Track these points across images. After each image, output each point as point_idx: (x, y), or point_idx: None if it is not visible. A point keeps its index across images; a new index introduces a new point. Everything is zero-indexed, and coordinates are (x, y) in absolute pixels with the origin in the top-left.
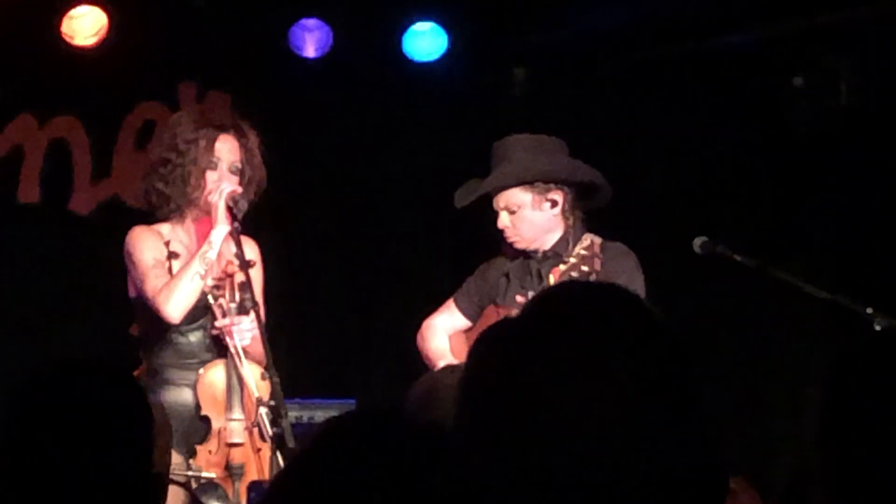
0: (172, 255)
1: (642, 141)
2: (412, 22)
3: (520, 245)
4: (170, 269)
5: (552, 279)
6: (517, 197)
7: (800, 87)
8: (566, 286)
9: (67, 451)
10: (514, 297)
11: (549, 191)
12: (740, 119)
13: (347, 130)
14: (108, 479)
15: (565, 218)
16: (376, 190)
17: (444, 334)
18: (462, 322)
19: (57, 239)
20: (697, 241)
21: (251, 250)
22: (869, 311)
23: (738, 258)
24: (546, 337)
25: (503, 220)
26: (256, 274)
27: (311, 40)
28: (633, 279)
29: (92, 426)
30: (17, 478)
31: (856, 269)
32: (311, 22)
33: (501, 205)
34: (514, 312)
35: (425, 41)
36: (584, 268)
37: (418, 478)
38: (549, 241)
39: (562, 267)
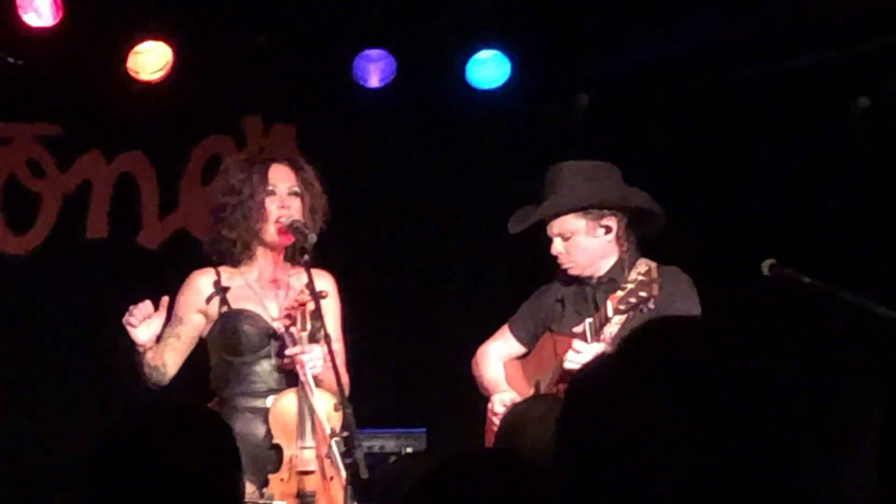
0: (223, 290)
1: (707, 165)
2: (475, 50)
3: (574, 271)
4: (224, 301)
5: (610, 306)
6: (571, 223)
7: (865, 108)
8: (659, 324)
9: (153, 495)
10: (570, 325)
11: (602, 217)
12: (805, 142)
13: (412, 159)
14: None
15: (619, 244)
16: (441, 218)
17: (499, 361)
18: (517, 348)
19: (126, 273)
20: (766, 264)
21: (327, 283)
22: None
23: (808, 280)
24: (643, 376)
25: (557, 246)
26: (332, 306)
27: (374, 70)
28: (689, 302)
29: (177, 468)
30: None
31: None
32: (374, 52)
33: (555, 231)
34: (573, 340)
35: (488, 69)
36: (643, 293)
37: None
38: (603, 266)
39: (619, 293)
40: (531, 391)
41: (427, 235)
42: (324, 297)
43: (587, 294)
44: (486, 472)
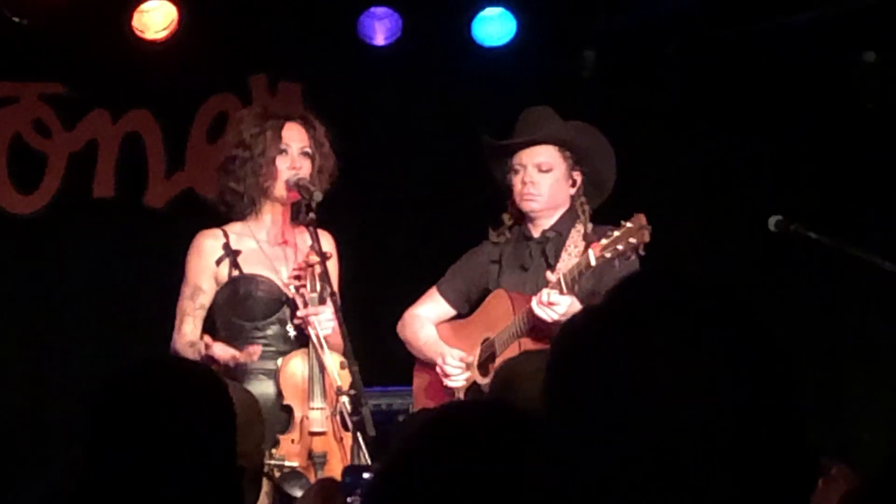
0: (234, 253)
1: (713, 121)
2: (481, 7)
3: (536, 205)
4: (234, 264)
5: (592, 254)
6: (554, 157)
7: (871, 62)
8: (649, 273)
9: (149, 450)
10: (514, 283)
11: (575, 169)
12: (811, 96)
13: (418, 117)
14: (189, 476)
15: (573, 201)
16: (448, 177)
17: (430, 324)
18: (446, 311)
19: (132, 232)
20: (772, 220)
21: (327, 243)
22: None
23: (814, 236)
24: (633, 324)
25: (532, 174)
26: (332, 266)
27: (380, 28)
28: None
29: (174, 424)
30: (100, 478)
31: None
32: (380, 10)
33: (535, 160)
34: (545, 291)
35: (494, 26)
36: (632, 240)
37: (519, 466)
38: (553, 217)
39: (603, 241)
40: (476, 350)
41: (433, 193)
42: (328, 259)
43: (532, 249)
44: (479, 422)
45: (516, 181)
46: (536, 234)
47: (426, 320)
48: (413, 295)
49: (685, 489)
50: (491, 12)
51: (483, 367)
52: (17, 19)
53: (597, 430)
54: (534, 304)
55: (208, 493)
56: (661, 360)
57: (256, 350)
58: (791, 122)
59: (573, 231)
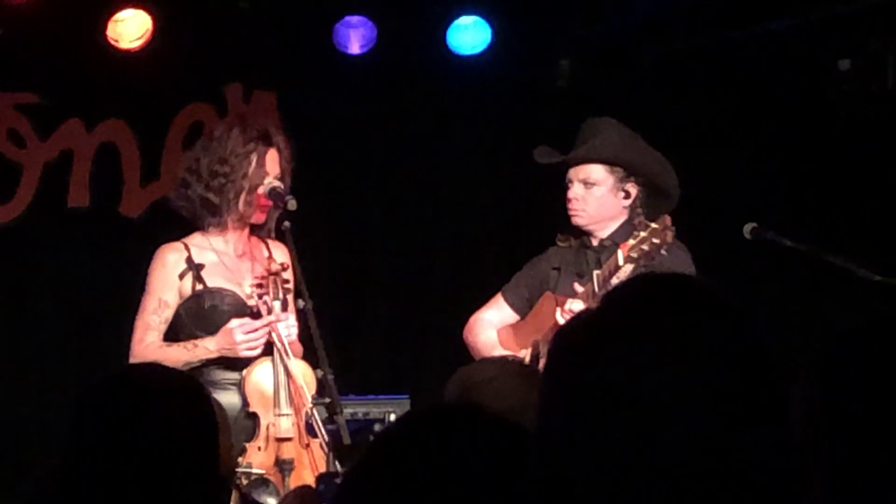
0: (197, 267)
1: (689, 129)
2: (456, 16)
3: (580, 220)
4: (198, 278)
5: (620, 254)
6: (599, 173)
7: (846, 70)
8: (643, 278)
9: (132, 460)
10: (569, 286)
11: (627, 181)
12: (786, 104)
13: (393, 125)
14: (174, 485)
15: (632, 212)
16: (424, 185)
17: (493, 328)
18: (510, 316)
19: (107, 242)
20: (747, 227)
21: (282, 254)
22: None
23: (789, 243)
24: (626, 331)
25: (576, 190)
26: (290, 276)
27: (355, 37)
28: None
29: (156, 433)
30: (80, 486)
31: None
32: (355, 19)
33: (580, 176)
34: (575, 297)
35: (469, 35)
36: (656, 240)
37: (496, 474)
38: (608, 228)
39: (631, 241)
40: (527, 352)
41: (409, 201)
42: (285, 270)
43: (588, 257)
44: (448, 426)
45: (567, 195)
46: (595, 243)
47: (488, 324)
48: (391, 303)
49: (677, 492)
50: (466, 21)
51: None
52: None
53: (591, 436)
54: (557, 312)
55: (191, 501)
56: (654, 367)
57: None
58: (767, 129)
59: (629, 240)
